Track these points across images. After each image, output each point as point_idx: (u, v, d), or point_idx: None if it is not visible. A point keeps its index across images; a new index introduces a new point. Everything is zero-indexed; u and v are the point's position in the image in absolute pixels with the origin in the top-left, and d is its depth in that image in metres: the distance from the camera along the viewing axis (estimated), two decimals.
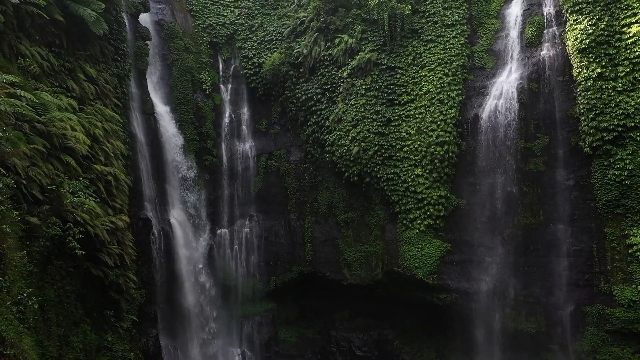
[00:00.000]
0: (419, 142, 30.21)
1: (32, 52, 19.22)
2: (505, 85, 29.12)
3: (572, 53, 27.08)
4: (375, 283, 31.77)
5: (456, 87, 30.25)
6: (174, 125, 32.31)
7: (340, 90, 32.66)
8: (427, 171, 29.87)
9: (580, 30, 26.72)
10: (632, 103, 25.07)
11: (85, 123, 21.35)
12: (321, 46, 33.71)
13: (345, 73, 32.41)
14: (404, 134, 30.72)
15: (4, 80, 15.31)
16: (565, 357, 27.09)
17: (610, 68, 25.89)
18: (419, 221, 29.85)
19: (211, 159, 34.29)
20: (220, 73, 36.35)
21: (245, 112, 36.28)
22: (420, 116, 30.49)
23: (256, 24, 36.79)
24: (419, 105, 30.70)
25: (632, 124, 25.01)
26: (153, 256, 27.83)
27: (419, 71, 31.31)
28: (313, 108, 33.68)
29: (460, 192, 29.92)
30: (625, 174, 25.12)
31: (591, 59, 26.29)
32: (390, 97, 31.54)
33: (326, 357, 33.70)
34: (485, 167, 29.21)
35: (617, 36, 25.86)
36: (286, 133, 35.80)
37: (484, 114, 29.36)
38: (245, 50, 36.31)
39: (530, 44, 29.21)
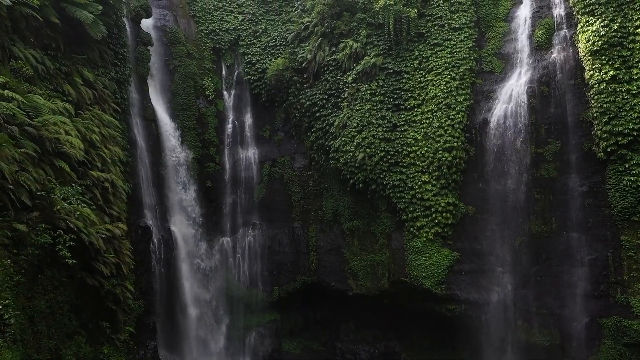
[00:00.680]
0: (425, 148, 29.43)
1: (25, 55, 18.70)
2: (514, 89, 28.32)
3: (584, 55, 26.28)
4: (381, 293, 30.87)
5: (464, 92, 29.50)
6: (176, 131, 31.74)
7: (345, 95, 31.99)
8: (434, 178, 29.05)
9: (592, 32, 25.95)
10: None
11: (82, 128, 20.77)
12: (325, 51, 33.15)
13: (350, 78, 31.78)
14: (410, 139, 29.96)
15: None
16: None
17: (624, 70, 25.08)
18: (427, 229, 28.98)
19: (214, 166, 33.65)
20: (224, 79, 35.83)
21: (248, 118, 35.67)
22: (427, 121, 29.73)
23: (260, 30, 36.32)
24: (426, 110, 29.96)
25: None
26: (152, 265, 27.12)
27: (426, 75, 30.61)
28: (317, 114, 33.02)
29: (469, 199, 29.02)
30: None
31: (604, 61, 25.48)
32: (396, 102, 30.83)
33: None
34: (494, 173, 28.33)
35: (631, 37, 25.10)
36: (290, 139, 35.13)
37: (493, 119, 28.54)
38: (249, 56, 35.79)
39: (540, 47, 28.45)
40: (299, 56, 34.01)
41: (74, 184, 17.70)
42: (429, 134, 29.53)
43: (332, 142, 31.87)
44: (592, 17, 26.20)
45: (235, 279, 33.11)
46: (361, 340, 32.87)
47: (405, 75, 30.99)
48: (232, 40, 36.04)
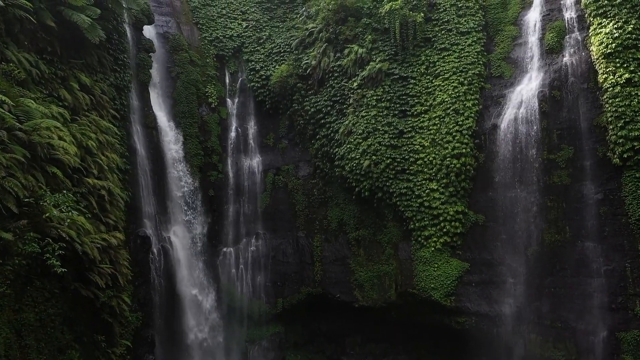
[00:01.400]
0: (433, 155, 28.57)
1: (18, 58, 18.13)
2: (525, 94, 27.46)
3: (597, 58, 25.40)
4: (388, 305, 29.88)
5: (472, 97, 28.70)
6: (178, 139, 31.14)
7: (350, 101, 31.29)
8: (442, 185, 28.14)
9: (606, 34, 25.09)
10: None
11: (77, 134, 20.15)
12: (330, 57, 32.52)
13: (355, 84, 31.09)
14: (417, 146, 29.13)
15: None
16: None
17: (639, 73, 24.11)
18: (435, 239, 28.02)
19: (216, 175, 32.96)
20: (227, 86, 35.29)
21: (252, 126, 35.03)
22: (435, 127, 28.91)
23: (264, 36, 35.82)
24: (433, 116, 29.15)
25: None
26: (152, 276, 26.32)
27: (433, 81, 29.86)
28: (322, 121, 32.31)
29: (479, 208, 28.05)
30: None
31: (618, 64, 24.57)
32: (403, 108, 30.05)
33: None
34: (505, 181, 27.37)
35: None
36: (294, 147, 34.41)
37: (503, 124, 27.66)
38: (253, 63, 35.25)
39: (551, 51, 27.61)
40: (304, 62, 33.40)
41: (65, 191, 16.97)
42: (437, 140, 28.69)
43: (337, 150, 31.11)
44: (605, 19, 25.37)
45: (237, 290, 32.24)
46: (368, 354, 31.86)
47: (412, 81, 30.28)
48: (236, 47, 35.56)
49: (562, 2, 27.97)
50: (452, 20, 30.36)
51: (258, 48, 35.59)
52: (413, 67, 30.46)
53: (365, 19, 31.84)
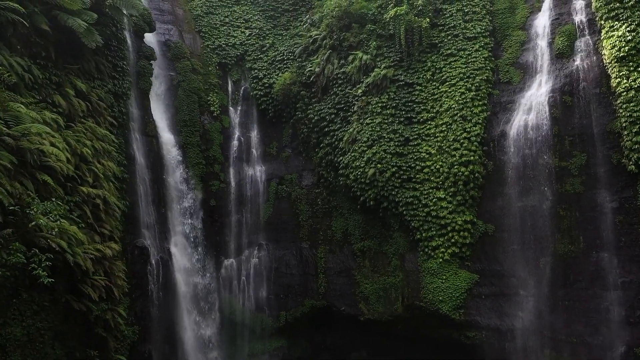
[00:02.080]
0: (440, 163, 27.71)
1: (10, 62, 17.57)
2: (535, 99, 26.63)
3: (610, 62, 24.58)
4: (395, 318, 28.85)
5: (480, 103, 27.91)
6: (178, 148, 30.47)
7: (355, 109, 30.57)
8: (450, 194, 27.23)
9: (618, 37, 24.28)
10: None
11: (72, 141, 19.51)
12: (334, 64, 31.90)
13: (359, 91, 30.40)
14: (423, 154, 28.30)
15: None
16: None
17: None
18: (443, 249, 27.04)
19: (218, 184, 32.23)
20: (230, 95, 34.71)
21: (255, 134, 34.37)
22: (442, 134, 28.09)
23: (267, 44, 35.32)
24: (440, 122, 28.35)
25: None
26: (150, 288, 25.48)
27: (439, 87, 29.12)
28: (326, 129, 31.58)
29: (488, 217, 27.08)
30: None
31: (632, 68, 23.70)
32: (409, 115, 29.29)
33: None
34: (515, 189, 26.43)
35: None
36: (298, 156, 33.68)
37: (512, 131, 26.80)
38: (256, 71, 34.69)
39: (561, 55, 26.81)
40: (307, 70, 32.80)
41: (54, 199, 16.25)
42: (444, 147, 27.85)
43: (341, 158, 30.33)
44: (617, 22, 24.58)
45: (239, 303, 31.32)
46: None
47: (418, 87, 29.56)
48: (239, 55, 35.05)
49: (572, 5, 27.24)
50: (458, 25, 29.70)
51: (261, 56, 35.07)
52: (419, 74, 29.77)
53: (369, 25, 31.25)
